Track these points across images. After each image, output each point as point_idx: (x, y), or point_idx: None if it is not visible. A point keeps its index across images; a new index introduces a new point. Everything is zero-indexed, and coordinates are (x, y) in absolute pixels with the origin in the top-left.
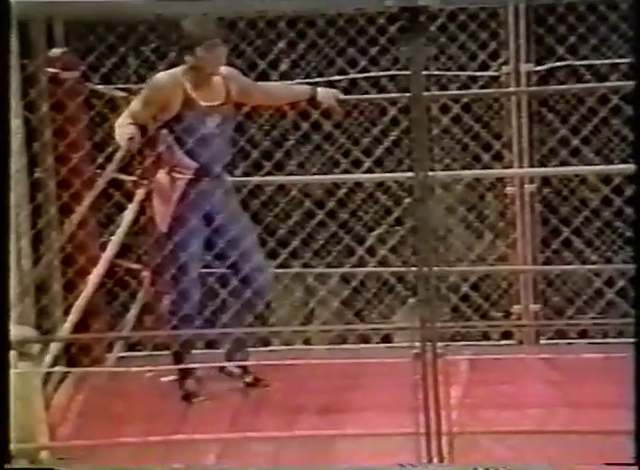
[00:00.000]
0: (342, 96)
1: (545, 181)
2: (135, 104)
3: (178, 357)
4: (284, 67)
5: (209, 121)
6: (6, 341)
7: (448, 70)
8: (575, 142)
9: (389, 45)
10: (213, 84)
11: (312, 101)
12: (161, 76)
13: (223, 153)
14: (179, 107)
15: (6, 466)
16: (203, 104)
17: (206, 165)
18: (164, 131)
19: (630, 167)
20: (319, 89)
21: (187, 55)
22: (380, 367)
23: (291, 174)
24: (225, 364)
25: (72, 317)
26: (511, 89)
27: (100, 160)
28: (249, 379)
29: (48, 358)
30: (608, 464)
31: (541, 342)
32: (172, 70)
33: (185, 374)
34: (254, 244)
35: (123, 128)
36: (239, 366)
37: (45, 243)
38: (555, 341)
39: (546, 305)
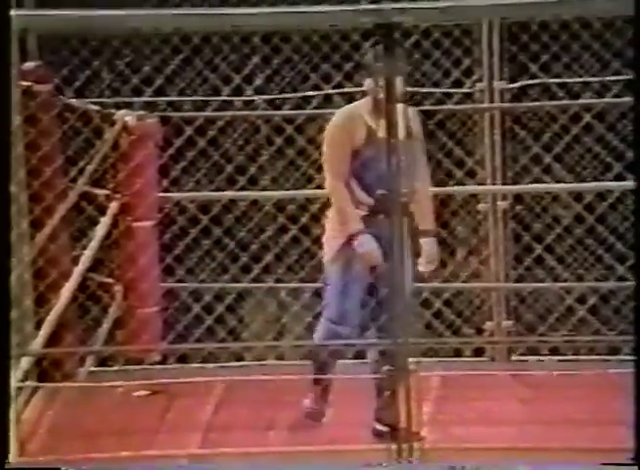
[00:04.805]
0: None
1: (518, 198)
2: (329, 151)
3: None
4: (258, 81)
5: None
6: (7, 348)
7: (422, 86)
8: (548, 159)
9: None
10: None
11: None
12: (343, 111)
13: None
14: (362, 140)
15: (6, 465)
16: (382, 136)
17: (382, 202)
18: None
19: (602, 185)
20: (431, 242)
21: (367, 84)
22: (352, 383)
23: (265, 189)
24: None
25: (44, 331)
26: (484, 105)
27: (72, 173)
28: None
29: (19, 373)
30: (608, 464)
31: (513, 358)
32: (351, 105)
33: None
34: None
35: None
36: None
37: (16, 256)
38: (526, 357)
39: (518, 322)
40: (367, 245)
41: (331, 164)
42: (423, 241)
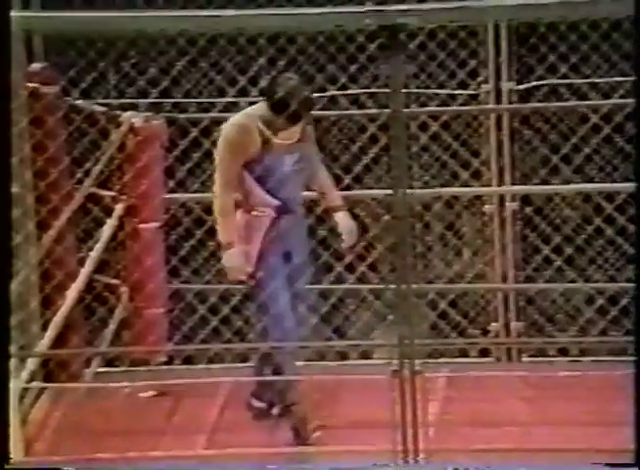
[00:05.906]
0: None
1: (525, 199)
2: (221, 161)
3: (282, 394)
4: (264, 83)
5: (288, 159)
6: (6, 349)
7: (427, 88)
8: (555, 160)
9: (369, 63)
10: None
11: (331, 210)
12: (237, 120)
13: (300, 190)
14: (258, 149)
15: (6, 466)
16: (278, 142)
17: (286, 203)
18: (244, 172)
19: (610, 186)
20: (343, 215)
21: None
22: (358, 384)
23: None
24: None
25: (50, 333)
26: (491, 106)
27: (79, 175)
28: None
29: (25, 374)
30: (608, 464)
31: (519, 359)
32: (246, 112)
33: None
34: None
35: (225, 233)
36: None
37: (23, 258)
38: (533, 358)
39: (525, 323)
40: (229, 261)
41: (221, 175)
42: (337, 216)
